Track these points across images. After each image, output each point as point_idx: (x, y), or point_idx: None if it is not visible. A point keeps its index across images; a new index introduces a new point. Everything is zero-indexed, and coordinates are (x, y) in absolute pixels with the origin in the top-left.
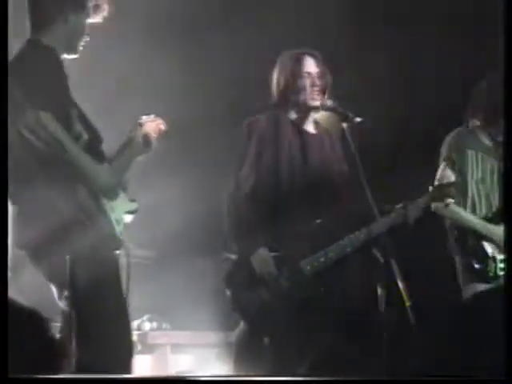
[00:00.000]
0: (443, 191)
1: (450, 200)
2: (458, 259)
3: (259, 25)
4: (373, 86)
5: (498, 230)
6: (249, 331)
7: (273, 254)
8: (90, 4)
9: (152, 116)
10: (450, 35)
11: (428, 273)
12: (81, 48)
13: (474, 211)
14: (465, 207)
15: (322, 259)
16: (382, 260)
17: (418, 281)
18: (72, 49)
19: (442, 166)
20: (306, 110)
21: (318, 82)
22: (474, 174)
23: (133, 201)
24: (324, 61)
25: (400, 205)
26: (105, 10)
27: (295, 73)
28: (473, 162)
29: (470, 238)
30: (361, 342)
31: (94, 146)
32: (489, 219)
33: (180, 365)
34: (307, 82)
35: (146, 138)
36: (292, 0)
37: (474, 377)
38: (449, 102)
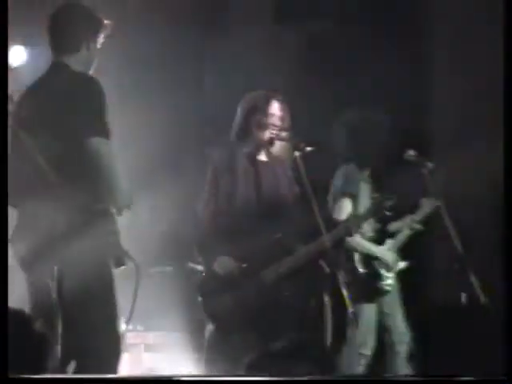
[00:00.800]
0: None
1: (388, 213)
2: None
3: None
4: (320, 120)
5: (383, 250)
6: (217, 331)
7: (237, 265)
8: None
9: None
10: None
11: None
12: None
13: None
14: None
15: (280, 270)
16: (327, 270)
17: None
18: None
19: (340, 198)
20: (263, 144)
21: (278, 123)
22: (362, 201)
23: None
24: (284, 102)
25: (344, 220)
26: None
27: (261, 113)
28: (361, 190)
29: (361, 258)
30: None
31: None
32: (373, 240)
33: (152, 362)
34: (269, 121)
35: None
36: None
37: (474, 377)
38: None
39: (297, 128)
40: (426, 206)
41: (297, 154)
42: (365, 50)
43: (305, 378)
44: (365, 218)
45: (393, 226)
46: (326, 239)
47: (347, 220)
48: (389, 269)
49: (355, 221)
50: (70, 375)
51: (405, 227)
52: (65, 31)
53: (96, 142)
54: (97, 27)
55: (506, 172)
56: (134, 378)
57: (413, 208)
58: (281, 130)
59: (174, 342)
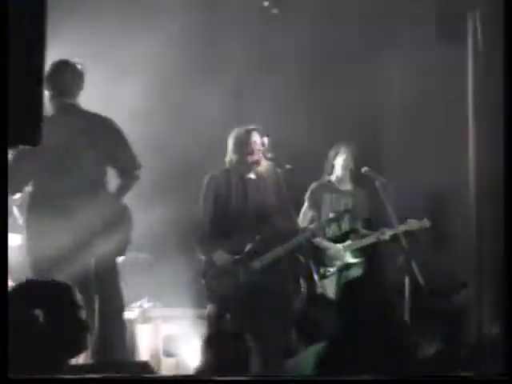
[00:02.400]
0: (341, 215)
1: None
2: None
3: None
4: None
5: (334, 246)
6: (216, 309)
7: (234, 257)
8: None
9: None
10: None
11: None
12: None
13: (324, 233)
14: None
15: (265, 261)
16: (303, 260)
17: None
18: None
19: (304, 206)
20: (251, 165)
21: (260, 148)
22: (327, 208)
23: None
24: (264, 132)
25: (312, 224)
26: None
27: (246, 142)
28: (326, 201)
29: (315, 250)
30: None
31: None
32: (336, 238)
33: (168, 330)
34: (254, 148)
35: None
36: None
37: (474, 377)
38: None
39: (278, 151)
40: (411, 224)
41: (278, 171)
42: (328, 90)
43: (306, 378)
44: (327, 225)
45: (362, 233)
46: (299, 239)
47: (315, 225)
48: (331, 260)
49: (320, 226)
50: (70, 375)
51: (372, 236)
52: (69, 80)
53: (139, 173)
54: (82, 78)
55: (507, 172)
56: (136, 378)
57: (394, 223)
58: (262, 154)
59: (185, 315)
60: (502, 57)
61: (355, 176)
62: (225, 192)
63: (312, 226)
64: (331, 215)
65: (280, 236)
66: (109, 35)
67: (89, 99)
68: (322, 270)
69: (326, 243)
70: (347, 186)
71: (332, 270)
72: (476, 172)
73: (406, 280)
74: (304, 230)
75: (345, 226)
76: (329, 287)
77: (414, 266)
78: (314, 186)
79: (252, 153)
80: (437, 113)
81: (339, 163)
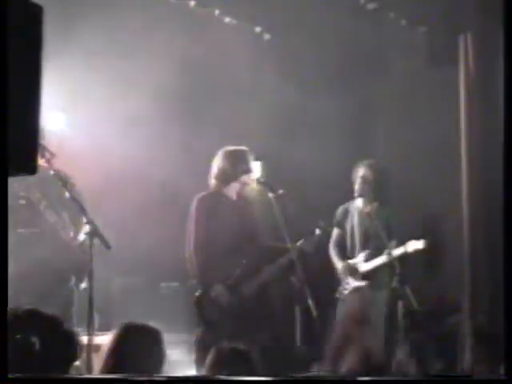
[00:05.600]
0: (324, 232)
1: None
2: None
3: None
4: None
5: (347, 265)
6: (208, 335)
7: (224, 284)
8: None
9: None
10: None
11: None
12: None
13: (352, 252)
14: (345, 251)
15: (254, 283)
16: (297, 285)
17: None
18: None
19: (333, 233)
20: (241, 186)
21: (250, 169)
22: (349, 231)
23: None
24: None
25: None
26: None
27: (235, 164)
28: (348, 223)
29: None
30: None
31: None
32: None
33: None
34: (244, 169)
35: None
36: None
37: (474, 377)
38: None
39: (271, 175)
40: (410, 246)
41: (271, 195)
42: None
43: (304, 378)
44: (316, 242)
45: (376, 253)
46: (281, 261)
47: (301, 242)
48: (344, 283)
49: (308, 242)
50: (69, 375)
51: (384, 256)
52: None
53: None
54: None
55: (506, 172)
56: (135, 378)
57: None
58: (251, 177)
59: (179, 340)
60: (494, 81)
61: (377, 196)
62: (213, 215)
63: (299, 243)
64: (317, 231)
65: (267, 257)
66: None
67: None
68: (336, 294)
69: (340, 263)
70: (369, 208)
71: (345, 293)
72: (469, 196)
73: (400, 303)
74: (292, 247)
75: (359, 247)
76: (341, 310)
77: (407, 289)
78: (339, 210)
79: (240, 175)
80: (430, 138)
81: (359, 185)
